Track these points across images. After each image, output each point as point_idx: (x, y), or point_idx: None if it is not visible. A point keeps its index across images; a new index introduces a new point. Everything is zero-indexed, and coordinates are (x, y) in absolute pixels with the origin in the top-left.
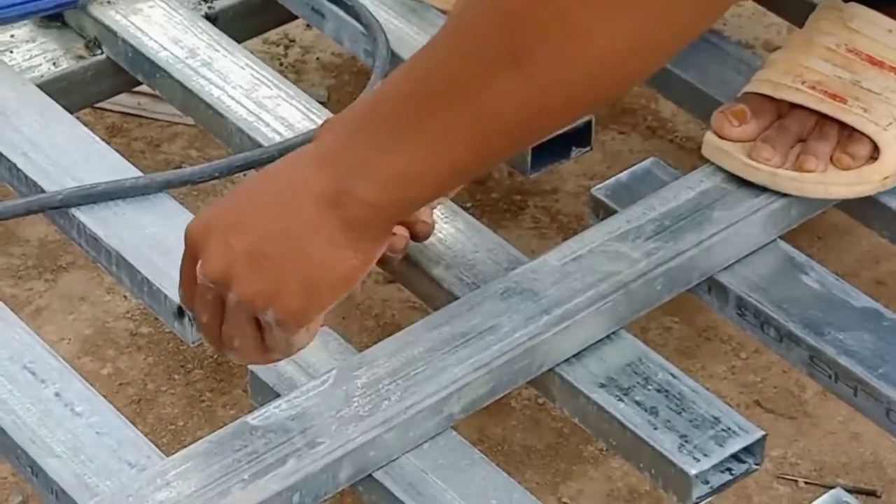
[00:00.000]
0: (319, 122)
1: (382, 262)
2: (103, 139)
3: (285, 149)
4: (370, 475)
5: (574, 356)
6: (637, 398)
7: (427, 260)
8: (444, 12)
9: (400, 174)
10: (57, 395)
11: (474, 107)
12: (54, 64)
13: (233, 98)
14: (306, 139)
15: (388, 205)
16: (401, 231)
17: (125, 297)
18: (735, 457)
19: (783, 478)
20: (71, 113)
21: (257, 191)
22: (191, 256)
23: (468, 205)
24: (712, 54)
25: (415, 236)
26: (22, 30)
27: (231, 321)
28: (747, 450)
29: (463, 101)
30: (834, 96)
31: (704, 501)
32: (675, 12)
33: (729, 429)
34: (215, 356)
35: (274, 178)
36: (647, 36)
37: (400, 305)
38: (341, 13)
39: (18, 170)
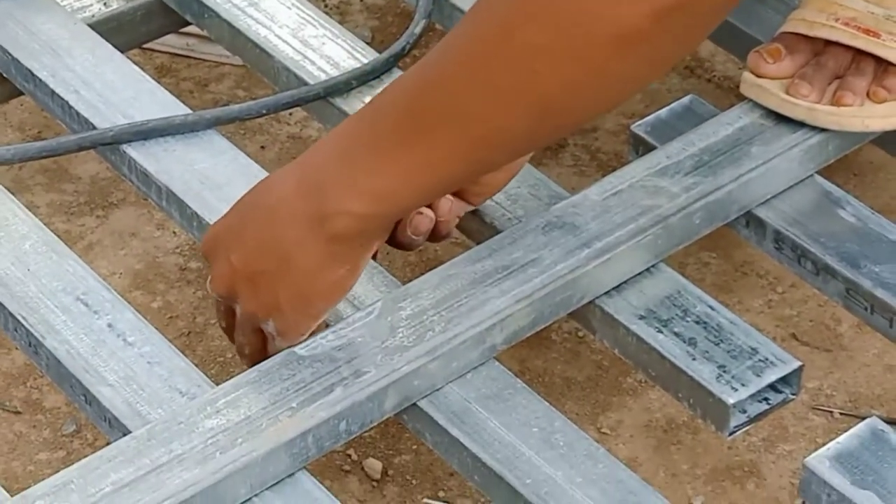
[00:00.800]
0: (364, 60)
1: (405, 244)
2: (153, 78)
3: (330, 87)
4: (415, 404)
5: (614, 289)
6: (676, 329)
7: None
8: None
9: (392, 188)
10: (110, 325)
11: (484, 130)
12: (105, 4)
13: (279, 37)
14: (351, 77)
15: (375, 216)
16: (426, 211)
17: (174, 232)
18: (772, 387)
19: (819, 409)
20: (121, 52)
21: (252, 208)
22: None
23: None
24: None
25: (435, 236)
26: None
27: (240, 330)
28: (784, 380)
29: (472, 123)
30: (868, 31)
31: (741, 430)
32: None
33: (766, 359)
34: None
35: (266, 195)
36: (648, 62)
37: (443, 241)
38: None
39: (71, 107)
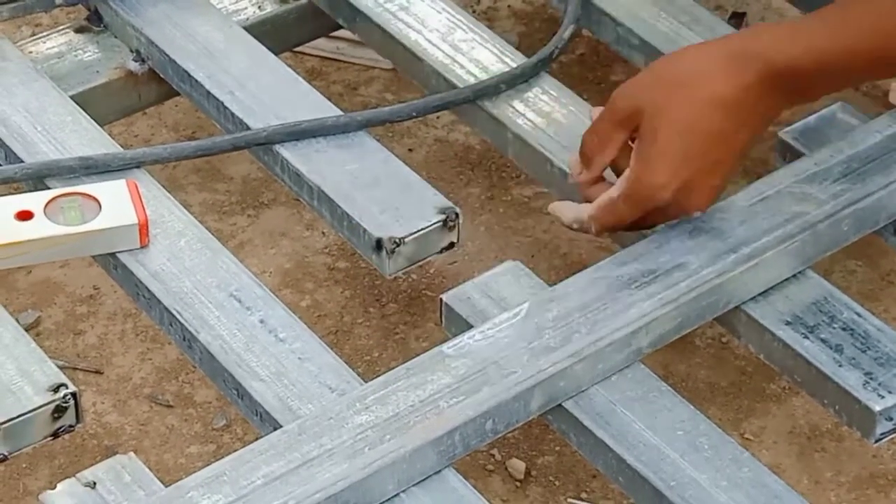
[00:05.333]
0: (513, 64)
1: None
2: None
3: (479, 90)
4: (560, 405)
5: (760, 294)
6: (822, 336)
7: None
8: None
9: (818, 47)
10: (262, 321)
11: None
12: (259, 7)
13: (430, 41)
14: (500, 80)
15: (800, 71)
16: None
17: (323, 233)
18: None
19: None
20: (275, 55)
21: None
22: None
23: None
24: None
25: None
26: None
27: (651, 220)
28: None
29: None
30: None
31: (887, 438)
32: None
33: None
34: (409, 290)
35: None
36: None
37: (587, 245)
38: None
39: (226, 108)
